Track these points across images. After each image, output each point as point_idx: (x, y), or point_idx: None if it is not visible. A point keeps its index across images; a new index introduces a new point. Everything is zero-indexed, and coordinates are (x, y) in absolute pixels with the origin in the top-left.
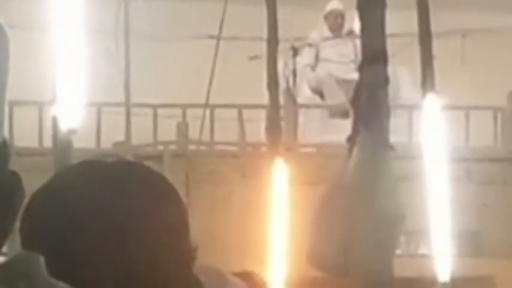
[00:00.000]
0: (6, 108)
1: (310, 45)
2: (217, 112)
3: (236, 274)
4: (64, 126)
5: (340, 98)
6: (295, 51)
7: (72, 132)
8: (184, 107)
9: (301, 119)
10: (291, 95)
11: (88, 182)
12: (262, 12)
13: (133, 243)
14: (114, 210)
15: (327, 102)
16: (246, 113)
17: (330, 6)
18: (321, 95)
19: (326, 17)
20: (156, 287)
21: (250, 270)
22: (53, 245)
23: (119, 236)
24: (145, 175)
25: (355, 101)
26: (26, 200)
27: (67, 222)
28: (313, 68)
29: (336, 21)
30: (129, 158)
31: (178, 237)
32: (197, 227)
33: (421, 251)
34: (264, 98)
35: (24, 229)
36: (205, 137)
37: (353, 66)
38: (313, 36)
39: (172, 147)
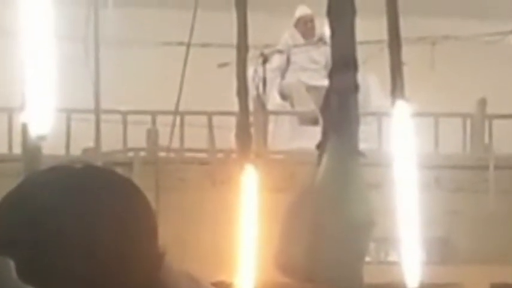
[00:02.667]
0: None
1: (280, 51)
2: (187, 119)
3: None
4: (34, 132)
5: (309, 105)
6: (265, 58)
7: (41, 138)
8: (154, 114)
9: (271, 126)
10: (260, 102)
11: (56, 187)
12: (232, 19)
13: (101, 246)
14: (83, 214)
15: (296, 109)
16: (215, 120)
17: (298, 13)
18: (291, 101)
19: (296, 25)
20: None
21: (221, 281)
22: (22, 251)
23: (87, 240)
24: (112, 179)
25: (324, 108)
26: None
27: (35, 228)
28: (283, 74)
29: (306, 27)
30: (99, 164)
31: (146, 240)
32: (167, 234)
33: (391, 258)
34: (234, 105)
35: None
36: (175, 143)
37: (324, 72)
38: (285, 38)
39: (142, 154)
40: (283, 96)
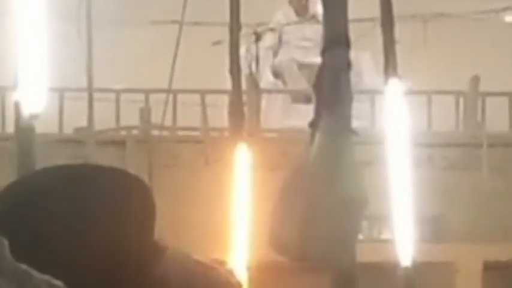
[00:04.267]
0: None
1: (272, 29)
2: (180, 97)
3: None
4: (26, 111)
5: (301, 83)
6: (258, 36)
7: (34, 117)
8: (147, 92)
9: (263, 104)
10: (253, 80)
11: (54, 175)
12: None
13: (94, 230)
14: (78, 199)
15: (288, 87)
16: (208, 98)
17: None
18: (283, 80)
19: (291, 1)
20: (121, 281)
21: (214, 259)
22: (17, 231)
23: (79, 223)
24: (114, 172)
25: (317, 85)
26: None
27: (30, 210)
28: (275, 52)
29: (300, 3)
30: (92, 143)
31: (141, 230)
32: (160, 213)
33: (383, 236)
34: (227, 84)
35: None
36: (168, 122)
37: (316, 50)
38: (278, 18)
39: (135, 132)
40: (276, 74)
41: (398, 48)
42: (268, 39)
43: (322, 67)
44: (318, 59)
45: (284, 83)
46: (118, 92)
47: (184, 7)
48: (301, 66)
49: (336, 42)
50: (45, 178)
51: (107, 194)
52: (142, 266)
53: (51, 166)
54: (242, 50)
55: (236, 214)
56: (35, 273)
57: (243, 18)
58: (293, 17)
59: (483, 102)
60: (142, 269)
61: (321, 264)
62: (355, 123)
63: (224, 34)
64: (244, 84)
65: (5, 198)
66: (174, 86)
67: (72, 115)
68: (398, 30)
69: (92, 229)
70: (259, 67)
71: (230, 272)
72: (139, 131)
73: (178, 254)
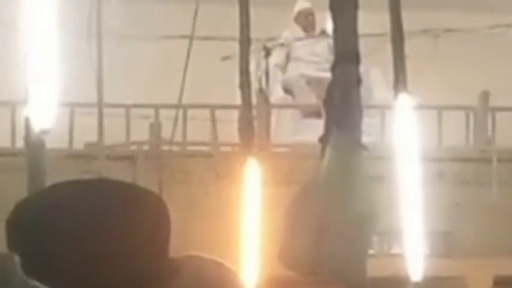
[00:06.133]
0: None
1: (282, 45)
2: (190, 112)
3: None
4: (36, 126)
5: (310, 98)
6: (268, 52)
7: (44, 132)
8: (157, 107)
9: (273, 119)
10: (263, 95)
11: (68, 190)
12: (235, 12)
13: (106, 247)
14: (91, 214)
15: (297, 102)
16: (218, 113)
17: (297, 7)
18: (292, 95)
19: (296, 19)
20: None
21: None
22: (27, 247)
23: (92, 239)
24: (132, 189)
25: (327, 101)
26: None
27: (40, 225)
28: (284, 68)
29: (307, 20)
30: (102, 158)
31: (159, 247)
32: (171, 228)
33: (394, 251)
34: (237, 98)
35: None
36: (178, 137)
37: (327, 65)
38: (285, 35)
39: (145, 147)
40: (286, 90)
41: (408, 63)
42: (277, 55)
43: (333, 83)
44: (327, 74)
45: (294, 98)
46: (128, 107)
47: (194, 22)
48: (311, 81)
49: (346, 58)
50: (57, 194)
51: (122, 210)
52: (157, 283)
53: (62, 182)
54: (252, 65)
55: (246, 229)
56: None
57: (253, 33)
58: (300, 33)
59: (493, 117)
60: (156, 285)
61: (331, 279)
62: (365, 139)
63: (234, 49)
64: (254, 99)
65: (16, 215)
66: (184, 101)
67: (82, 130)
68: (408, 46)
69: (105, 246)
70: (269, 82)
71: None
72: (150, 146)
73: (192, 269)
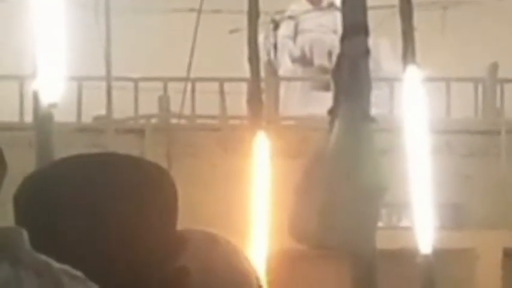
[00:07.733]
0: None
1: (290, 17)
2: (199, 85)
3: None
4: (45, 100)
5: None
6: (276, 24)
7: (53, 106)
8: (166, 81)
9: (282, 91)
10: (272, 68)
11: (75, 164)
12: None
13: (111, 216)
14: (97, 185)
15: (315, 63)
16: (227, 86)
17: None
18: (304, 63)
19: None
20: (142, 271)
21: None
22: (36, 220)
23: (97, 209)
24: (138, 161)
25: (336, 73)
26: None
27: (48, 197)
28: (293, 40)
29: None
30: (111, 131)
31: (167, 221)
32: (179, 201)
33: (403, 223)
34: (245, 71)
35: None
36: (187, 110)
37: (334, 36)
38: (293, 8)
39: (154, 120)
40: (296, 59)
41: (416, 35)
42: (285, 27)
43: (341, 55)
44: (335, 44)
45: (305, 65)
46: (136, 81)
47: None
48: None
49: (355, 30)
50: (66, 168)
51: (130, 184)
52: (165, 257)
53: (71, 156)
54: (260, 38)
55: (255, 202)
56: (54, 263)
57: (261, 5)
58: (308, 7)
59: (502, 88)
60: (164, 260)
61: (340, 251)
62: (373, 111)
63: (242, 22)
64: (262, 72)
65: (25, 189)
66: (193, 74)
67: (91, 104)
68: (416, 18)
69: (113, 219)
70: (277, 55)
71: (251, 261)
72: (158, 119)
73: (201, 242)
